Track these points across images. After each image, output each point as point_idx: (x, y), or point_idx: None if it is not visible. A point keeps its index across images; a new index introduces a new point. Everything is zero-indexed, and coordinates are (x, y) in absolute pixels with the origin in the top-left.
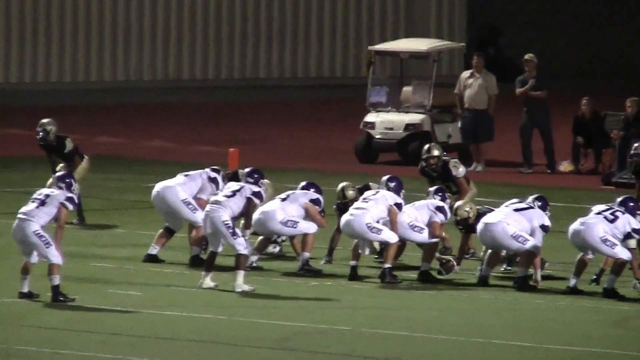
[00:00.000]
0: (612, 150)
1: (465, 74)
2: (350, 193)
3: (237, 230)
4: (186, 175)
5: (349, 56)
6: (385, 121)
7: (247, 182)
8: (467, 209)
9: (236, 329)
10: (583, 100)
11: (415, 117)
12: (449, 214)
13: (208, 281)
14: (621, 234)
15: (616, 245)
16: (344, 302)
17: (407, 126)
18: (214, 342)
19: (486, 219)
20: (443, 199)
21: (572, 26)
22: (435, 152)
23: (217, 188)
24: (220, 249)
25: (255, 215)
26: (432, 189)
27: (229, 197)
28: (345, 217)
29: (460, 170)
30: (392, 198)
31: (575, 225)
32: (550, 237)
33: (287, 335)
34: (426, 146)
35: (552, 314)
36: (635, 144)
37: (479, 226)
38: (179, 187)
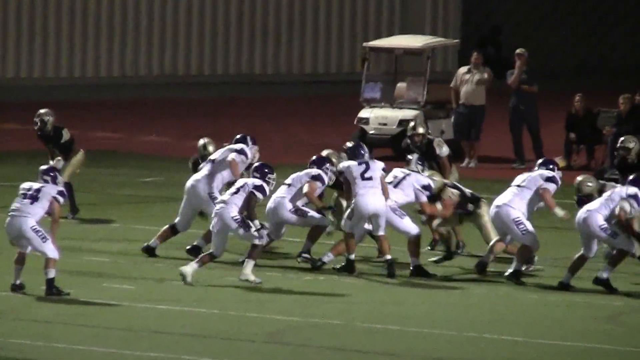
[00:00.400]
0: (605, 147)
1: (463, 69)
2: (334, 161)
3: (248, 222)
4: (213, 163)
5: (344, 52)
6: (379, 117)
7: (254, 176)
8: (450, 194)
9: (229, 323)
10: (576, 97)
11: (408, 113)
12: (433, 188)
13: (190, 270)
14: (616, 203)
15: (617, 235)
16: (337, 296)
17: (401, 122)
18: (207, 336)
19: (496, 200)
20: (424, 168)
21: (566, 24)
22: (420, 130)
23: (247, 158)
24: (220, 254)
25: (268, 204)
26: (412, 157)
27: (233, 194)
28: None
29: (443, 150)
30: (380, 165)
31: (580, 212)
32: (541, 233)
33: (280, 330)
34: (411, 123)
35: (544, 309)
36: (622, 138)
37: (492, 209)
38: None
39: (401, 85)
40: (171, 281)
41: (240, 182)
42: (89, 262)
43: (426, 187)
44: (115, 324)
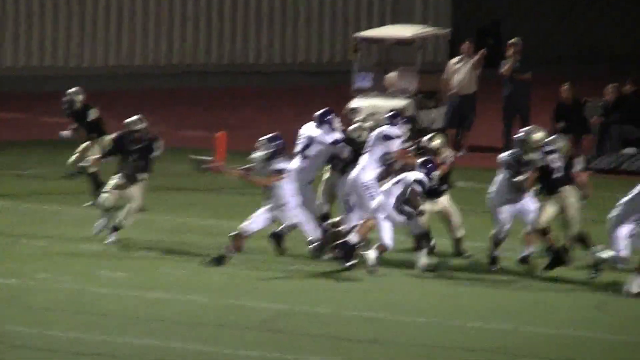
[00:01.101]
0: (592, 137)
1: (454, 60)
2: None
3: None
4: (304, 157)
5: (336, 42)
6: (370, 106)
7: (420, 169)
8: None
9: (221, 311)
10: (563, 87)
11: (399, 103)
12: (401, 137)
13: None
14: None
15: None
16: (327, 284)
17: (392, 111)
18: (199, 324)
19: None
20: (395, 125)
21: (557, 12)
22: (436, 142)
23: (332, 127)
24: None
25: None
26: (389, 114)
27: (395, 184)
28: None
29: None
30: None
31: None
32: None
33: (271, 317)
34: (428, 136)
35: (532, 298)
36: (522, 130)
37: None
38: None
39: (392, 75)
40: (164, 269)
41: (402, 175)
42: (83, 250)
43: (387, 136)
44: (109, 312)
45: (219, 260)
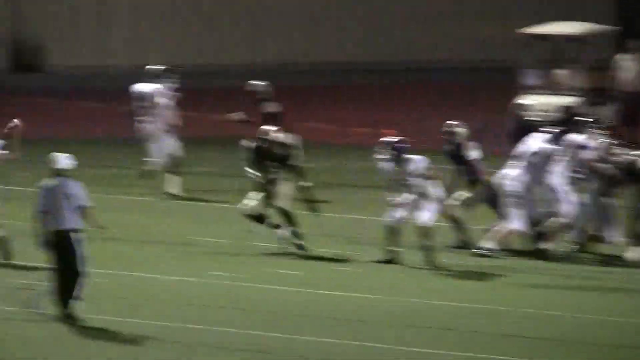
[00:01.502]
0: None
1: (622, 56)
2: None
3: None
4: (529, 164)
5: (500, 39)
6: (540, 104)
7: None
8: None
9: (394, 309)
10: None
11: (570, 100)
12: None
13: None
14: None
15: None
16: (503, 281)
17: (562, 109)
18: (378, 322)
19: None
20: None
21: None
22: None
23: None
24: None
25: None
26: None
27: None
28: None
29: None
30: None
31: None
32: None
33: (448, 316)
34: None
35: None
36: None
37: None
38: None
39: (561, 72)
40: (339, 267)
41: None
42: (258, 249)
43: (581, 146)
44: (284, 310)
45: (389, 260)
